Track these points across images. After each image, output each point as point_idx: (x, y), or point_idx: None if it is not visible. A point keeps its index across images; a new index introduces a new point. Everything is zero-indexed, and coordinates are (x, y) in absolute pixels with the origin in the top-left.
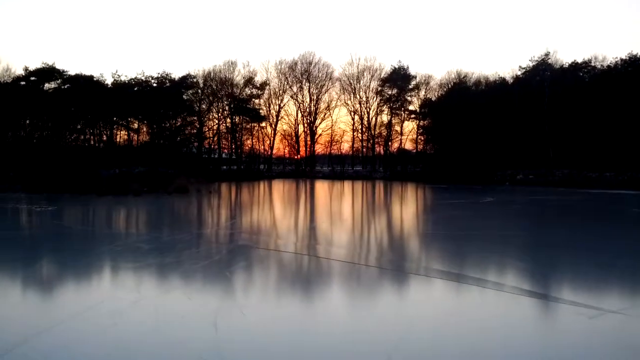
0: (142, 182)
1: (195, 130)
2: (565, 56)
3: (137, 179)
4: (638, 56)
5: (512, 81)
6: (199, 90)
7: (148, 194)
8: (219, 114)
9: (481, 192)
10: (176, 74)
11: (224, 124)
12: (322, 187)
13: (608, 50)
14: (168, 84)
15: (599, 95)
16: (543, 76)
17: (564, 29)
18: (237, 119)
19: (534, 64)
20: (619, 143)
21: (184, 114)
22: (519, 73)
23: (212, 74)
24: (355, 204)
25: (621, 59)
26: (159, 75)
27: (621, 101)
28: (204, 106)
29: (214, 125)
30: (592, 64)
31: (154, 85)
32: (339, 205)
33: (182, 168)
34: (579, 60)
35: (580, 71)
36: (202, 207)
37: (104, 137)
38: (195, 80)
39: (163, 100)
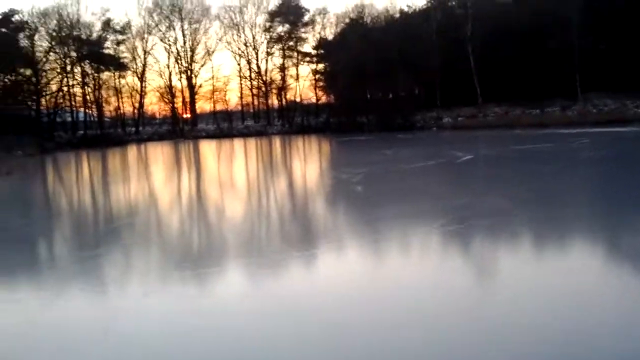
0: None
1: (32, 87)
2: None
3: None
4: None
5: (423, 10)
6: (31, 33)
7: None
8: (65, 64)
9: (417, 142)
10: None
11: (74, 78)
12: (200, 151)
13: None
14: None
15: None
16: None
17: None
18: (90, 69)
19: None
20: (553, 73)
21: (13, 65)
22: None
23: (49, 11)
24: (254, 180)
25: None
26: None
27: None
28: (41, 54)
29: (56, 77)
30: None
31: None
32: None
33: (7, 135)
34: None
35: None
36: None
37: None
38: (25, 19)
39: None
